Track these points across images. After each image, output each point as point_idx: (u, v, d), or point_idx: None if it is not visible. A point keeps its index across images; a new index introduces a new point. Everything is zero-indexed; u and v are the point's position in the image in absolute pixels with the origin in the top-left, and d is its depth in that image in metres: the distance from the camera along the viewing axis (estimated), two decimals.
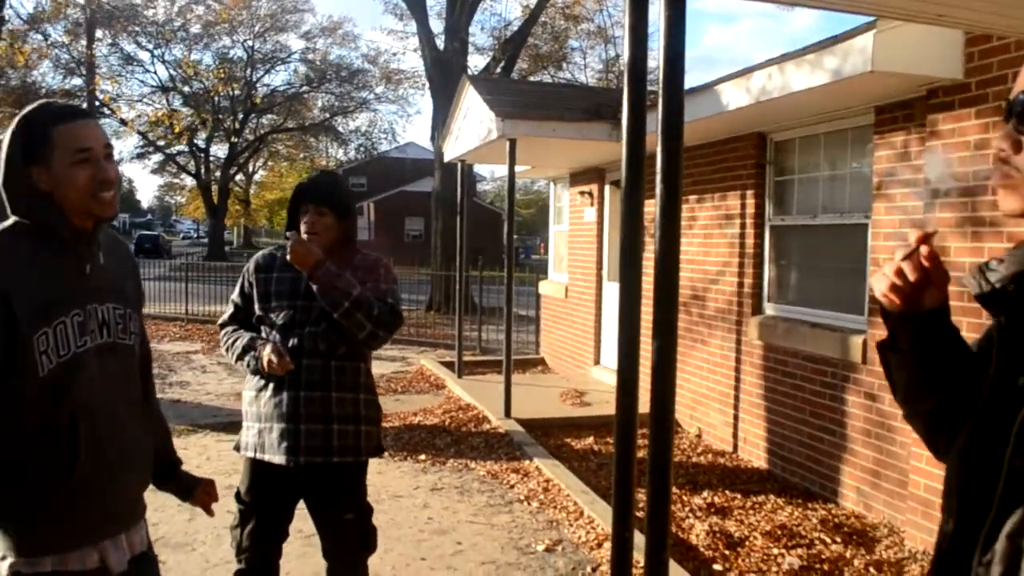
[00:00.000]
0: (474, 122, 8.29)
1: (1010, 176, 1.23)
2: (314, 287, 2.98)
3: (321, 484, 3.10)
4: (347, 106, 40.97)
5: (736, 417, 7.12)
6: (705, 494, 5.93)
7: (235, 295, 3.26)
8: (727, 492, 6.00)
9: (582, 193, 10.37)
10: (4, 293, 1.81)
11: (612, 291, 9.91)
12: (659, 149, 2.80)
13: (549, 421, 7.95)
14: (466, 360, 10.36)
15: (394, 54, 40.37)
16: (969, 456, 1.29)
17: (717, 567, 4.62)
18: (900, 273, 1.36)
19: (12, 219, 1.95)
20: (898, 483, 5.22)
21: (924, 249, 1.35)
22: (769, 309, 6.81)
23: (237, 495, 3.20)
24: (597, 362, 10.28)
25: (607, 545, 4.83)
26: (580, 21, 22.31)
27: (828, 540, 5.02)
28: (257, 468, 3.11)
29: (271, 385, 3.04)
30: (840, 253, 5.93)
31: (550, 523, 5.27)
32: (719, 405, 7.39)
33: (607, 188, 10.06)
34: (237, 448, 3.22)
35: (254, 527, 3.12)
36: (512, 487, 6.00)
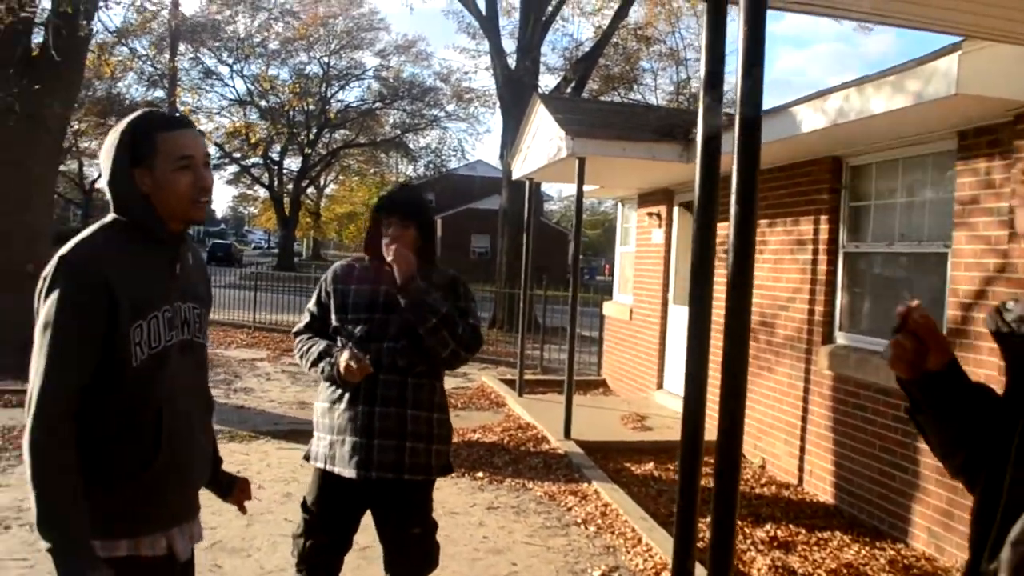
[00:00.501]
0: (544, 140, 8.27)
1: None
2: (402, 299, 2.98)
3: (391, 499, 3.10)
4: (418, 123, 41.50)
5: (802, 449, 6.91)
6: (768, 527, 5.75)
7: (311, 304, 3.27)
8: (791, 526, 5.81)
9: (650, 214, 10.27)
10: (108, 285, 1.91)
11: (678, 314, 9.77)
12: (735, 170, 2.71)
13: (609, 444, 7.84)
14: (527, 379, 10.30)
15: (466, 72, 40.69)
16: (985, 484, 1.44)
17: None
18: (898, 345, 1.52)
19: (111, 216, 2.06)
20: None
21: (911, 323, 1.52)
22: (840, 338, 6.60)
23: (304, 505, 3.21)
24: (660, 386, 10.12)
25: (665, 575, 4.71)
26: (652, 43, 22.20)
27: None
28: (327, 479, 3.11)
29: (346, 397, 3.04)
30: (917, 282, 5.73)
31: (607, 548, 5.17)
32: (785, 436, 7.18)
33: (675, 210, 9.94)
34: (307, 457, 3.22)
35: (319, 537, 3.12)
36: (569, 509, 5.91)
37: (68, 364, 1.87)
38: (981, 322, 5.00)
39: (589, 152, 7.30)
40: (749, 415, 7.60)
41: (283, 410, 8.99)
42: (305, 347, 3.17)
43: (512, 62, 17.79)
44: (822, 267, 6.74)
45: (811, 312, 6.87)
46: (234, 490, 2.43)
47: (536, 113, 8.58)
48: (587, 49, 19.32)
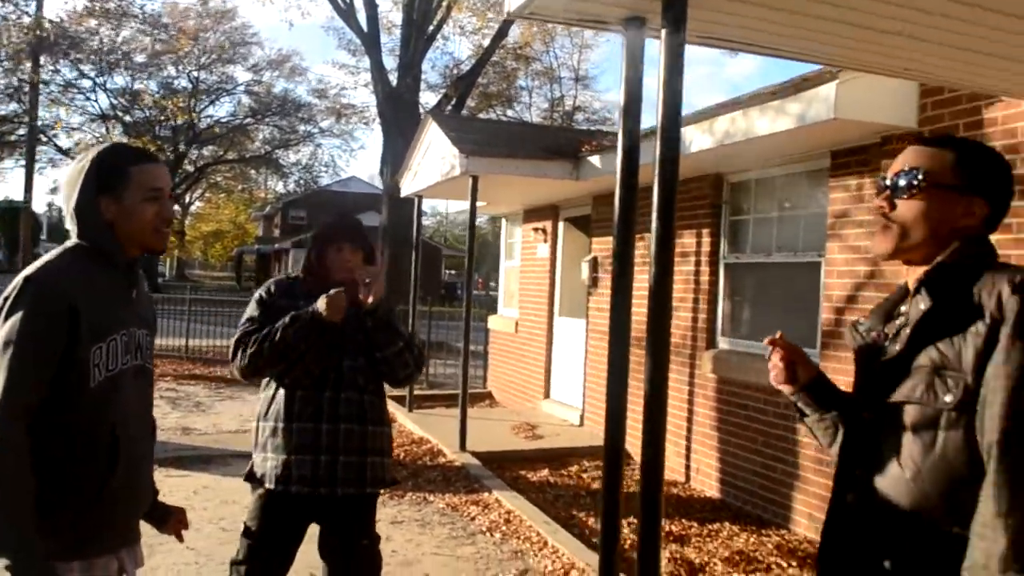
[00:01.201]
0: (436, 158, 8.41)
1: (889, 226, 1.71)
2: (370, 321, 3.04)
3: (344, 513, 3.14)
4: (289, 139, 40.76)
5: (688, 448, 7.29)
6: (662, 523, 6.04)
7: (255, 314, 3.20)
8: (683, 520, 6.13)
9: (536, 230, 10.55)
10: (72, 307, 1.96)
11: (564, 326, 10.07)
12: (656, 192, 2.93)
13: (504, 454, 7.99)
14: (415, 394, 10.35)
15: (343, 88, 40.24)
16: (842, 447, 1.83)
17: None
18: (773, 367, 1.95)
19: (73, 241, 2.10)
20: None
21: (775, 350, 1.93)
22: (723, 343, 7.03)
23: (247, 530, 3.16)
24: (547, 396, 10.39)
25: (574, 574, 4.90)
26: (530, 62, 22.80)
27: (784, 564, 5.17)
28: (277, 500, 3.10)
29: (305, 414, 3.05)
30: (794, 290, 6.18)
31: (515, 553, 5.31)
32: (671, 437, 7.54)
33: (561, 225, 10.26)
34: (252, 480, 3.18)
35: (264, 561, 3.11)
36: (473, 519, 6.02)
37: (25, 383, 1.89)
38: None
39: (482, 170, 7.49)
40: (636, 418, 7.97)
41: (165, 436, 8.70)
42: (261, 335, 3.06)
43: (393, 79, 17.86)
44: (705, 277, 7.16)
45: (695, 320, 7.27)
46: (170, 520, 2.45)
47: (428, 131, 8.70)
48: (468, 68, 19.62)
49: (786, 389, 1.93)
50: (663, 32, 2.85)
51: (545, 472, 7.47)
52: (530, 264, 11.00)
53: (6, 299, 1.95)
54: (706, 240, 7.15)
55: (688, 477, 7.26)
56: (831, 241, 5.67)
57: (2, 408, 1.85)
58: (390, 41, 20.69)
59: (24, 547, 1.82)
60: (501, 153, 7.58)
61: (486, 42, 18.40)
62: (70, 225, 2.11)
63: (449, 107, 18.37)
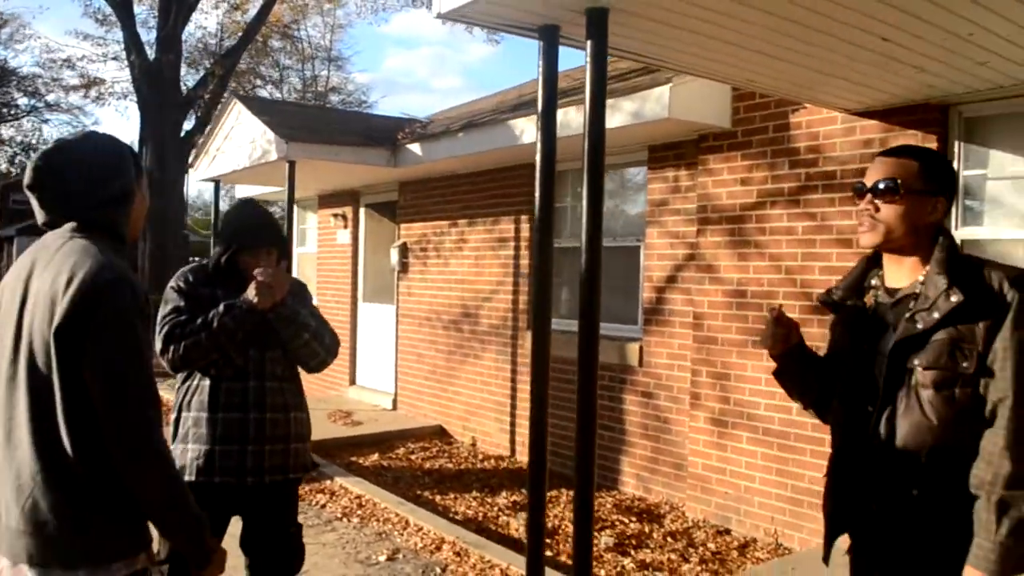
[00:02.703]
0: (243, 143, 8.15)
1: (875, 225, 2.08)
2: (272, 318, 3.04)
3: (271, 501, 3.14)
4: (3, 113, 36.48)
5: (513, 424, 7.73)
6: (504, 494, 6.45)
7: (181, 303, 3.10)
8: (522, 490, 6.55)
9: (335, 216, 10.50)
10: (147, 300, 1.95)
11: (368, 311, 10.15)
12: (585, 188, 3.24)
13: (328, 442, 7.99)
14: None
15: (81, 58, 36.24)
16: (845, 398, 2.18)
17: (548, 553, 5.12)
18: (775, 334, 2.22)
19: (85, 236, 1.95)
20: (675, 467, 6.10)
21: (782, 318, 2.21)
22: None
23: None
24: (353, 382, 10.43)
25: (445, 548, 5.15)
26: (294, 41, 22.18)
27: (626, 520, 5.74)
28: (199, 492, 3.05)
29: (231, 405, 3.03)
30: (616, 272, 6.75)
31: (379, 535, 5.45)
32: (495, 414, 7.95)
33: (362, 211, 10.31)
34: None
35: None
36: (324, 507, 6.06)
37: (154, 383, 1.94)
38: (673, 301, 6.13)
39: (302, 156, 7.41)
40: (457, 398, 8.34)
41: None
42: (196, 327, 2.97)
43: (151, 53, 16.68)
44: (523, 261, 7.60)
45: (515, 302, 7.70)
46: None
47: (231, 114, 8.41)
48: (233, 45, 18.72)
49: (777, 351, 2.25)
50: (588, 43, 3.18)
51: (375, 457, 7.60)
52: (329, 250, 10.93)
53: (95, 301, 1.83)
54: (524, 226, 7.58)
55: (514, 451, 7.70)
56: (651, 227, 6.29)
57: (157, 419, 1.92)
58: (142, 11, 19.30)
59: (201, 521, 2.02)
60: (322, 139, 7.54)
61: (246, 18, 17.76)
62: (98, 206, 1.98)
63: (211, 86, 17.49)
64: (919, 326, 1.96)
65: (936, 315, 1.93)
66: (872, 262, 2.26)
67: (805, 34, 3.42)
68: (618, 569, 4.83)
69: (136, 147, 16.95)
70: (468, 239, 8.27)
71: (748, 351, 5.45)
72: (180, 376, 3.18)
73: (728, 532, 5.51)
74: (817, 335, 5.05)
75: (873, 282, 2.19)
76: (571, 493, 6.41)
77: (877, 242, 2.10)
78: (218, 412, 3.06)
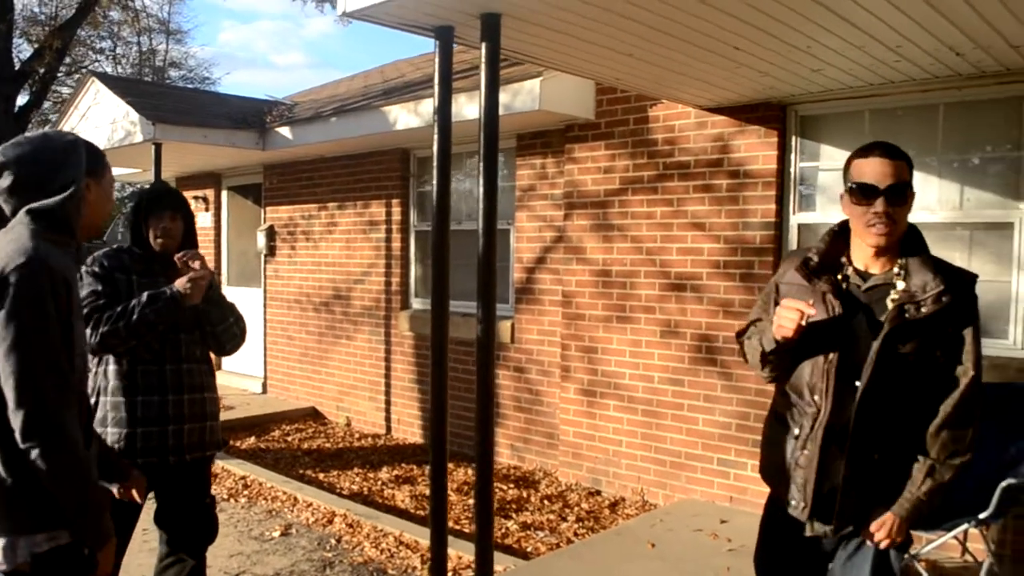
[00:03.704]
0: (102, 123, 7.91)
1: (893, 227, 2.20)
2: (201, 304, 3.18)
3: (188, 477, 3.29)
4: None
5: (388, 402, 7.97)
6: (385, 469, 6.70)
7: (100, 287, 3.15)
8: (403, 465, 6.84)
9: (196, 198, 10.31)
10: (68, 285, 2.02)
11: (233, 296, 10.03)
12: (481, 177, 3.54)
13: None
14: None
15: None
16: (839, 375, 2.29)
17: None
18: (799, 328, 2.18)
19: (28, 223, 2.05)
20: (546, 436, 6.55)
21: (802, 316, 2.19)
22: (417, 304, 7.78)
23: None
24: (219, 367, 10.32)
25: (337, 521, 5.37)
26: (133, 13, 21.04)
27: (504, 487, 6.13)
28: None
29: (151, 387, 3.14)
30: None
31: (269, 512, 5.60)
32: (369, 393, 8.16)
33: (224, 193, 10.18)
34: None
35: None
36: None
37: (60, 362, 1.98)
38: (543, 281, 6.55)
39: (171, 138, 7.31)
40: (330, 380, 8.50)
41: None
42: (115, 314, 3.03)
43: None
44: (396, 244, 7.82)
45: (388, 284, 7.92)
46: None
47: (88, 93, 8.13)
48: (70, 17, 17.63)
49: (785, 340, 2.25)
50: (483, 45, 3.50)
51: (252, 440, 7.66)
52: None
53: (4, 281, 1.93)
54: (396, 210, 7.80)
55: (389, 429, 7.94)
56: (520, 211, 6.67)
57: (62, 398, 1.96)
58: None
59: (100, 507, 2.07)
60: (191, 122, 7.45)
61: None
62: (42, 198, 2.07)
63: (47, 60, 16.49)
64: (908, 317, 2.21)
65: (925, 310, 2.20)
66: (839, 238, 2.38)
67: (669, 41, 3.85)
68: (503, 531, 5.20)
69: None
70: (339, 222, 8.40)
71: (613, 326, 5.94)
72: (93, 360, 3.26)
73: (599, 493, 6.00)
74: (674, 310, 5.61)
75: (843, 260, 2.35)
76: (449, 465, 6.76)
77: (892, 242, 2.23)
78: (137, 395, 3.15)
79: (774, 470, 2.49)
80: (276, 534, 5.19)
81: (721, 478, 5.37)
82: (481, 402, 3.73)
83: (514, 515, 5.55)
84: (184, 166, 9.88)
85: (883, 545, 2.32)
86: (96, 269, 3.25)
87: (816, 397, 2.31)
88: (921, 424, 2.27)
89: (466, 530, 5.26)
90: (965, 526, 3.81)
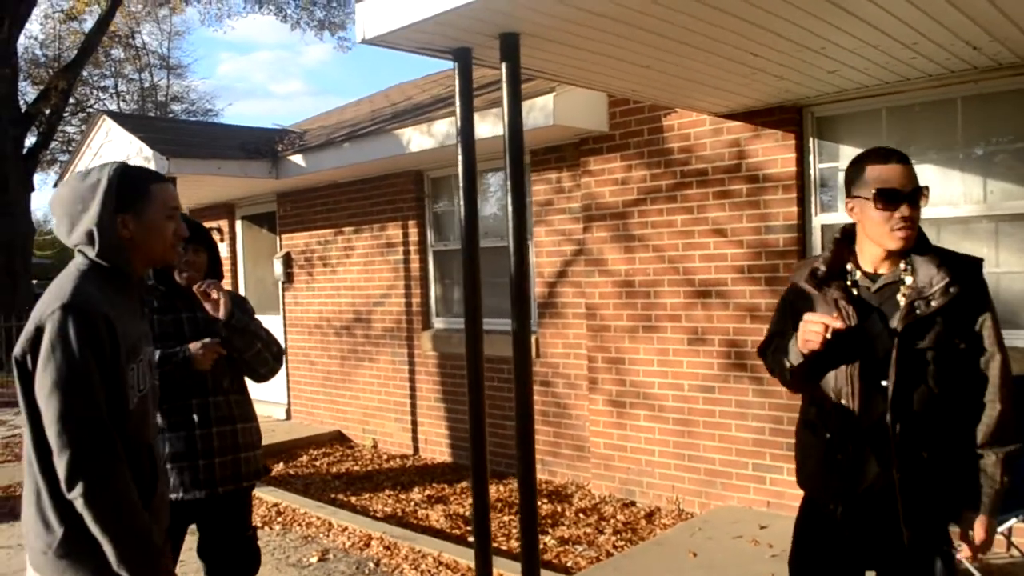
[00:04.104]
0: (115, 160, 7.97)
1: (914, 229, 2.26)
2: (224, 332, 3.17)
3: (224, 509, 3.29)
4: None
5: (415, 423, 7.97)
6: (416, 490, 6.71)
7: None
8: (433, 484, 6.84)
9: (211, 229, 10.33)
10: (111, 326, 1.99)
11: None
12: (510, 197, 3.56)
13: None
14: None
15: None
16: (863, 377, 2.31)
17: (473, 539, 5.43)
18: (823, 339, 2.20)
19: (84, 262, 2.08)
20: (576, 449, 6.54)
21: (827, 328, 2.21)
22: (439, 323, 7.80)
23: None
24: None
25: (374, 544, 5.37)
26: (133, 49, 21.25)
27: (538, 503, 6.10)
28: None
29: (176, 425, 3.13)
30: (505, 270, 7.09)
31: (304, 539, 5.60)
32: (395, 415, 8.17)
33: (239, 223, 10.24)
34: None
35: None
36: None
37: (102, 405, 1.95)
38: (565, 294, 6.56)
39: (186, 171, 7.37)
40: (354, 403, 8.51)
41: None
42: None
43: None
44: (415, 265, 7.85)
45: (408, 304, 7.94)
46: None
47: (99, 131, 8.20)
48: (72, 58, 17.84)
49: (811, 352, 2.27)
50: (503, 65, 3.52)
51: (280, 466, 7.67)
52: None
53: (41, 329, 1.94)
54: (413, 231, 7.83)
55: (417, 449, 7.95)
56: (538, 226, 6.69)
57: (101, 434, 1.93)
58: None
59: (159, 558, 2.00)
60: (204, 154, 7.51)
61: (74, 25, 16.97)
62: (80, 243, 2.08)
63: (53, 100, 16.66)
64: (919, 313, 2.25)
65: (935, 303, 2.24)
66: (843, 244, 2.44)
67: (686, 51, 3.87)
68: (541, 546, 5.19)
69: None
70: (355, 246, 8.43)
71: (639, 336, 5.94)
72: None
73: (633, 504, 5.99)
74: (701, 317, 5.61)
75: (848, 267, 2.40)
76: None
77: (909, 245, 2.29)
78: (165, 432, 3.17)
79: (810, 475, 2.51)
80: (314, 560, 5.19)
81: (757, 483, 5.35)
82: (521, 419, 3.75)
83: (550, 530, 5.54)
84: (198, 198, 9.94)
85: (981, 547, 2.31)
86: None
87: (844, 401, 2.34)
88: (962, 417, 2.30)
89: (503, 547, 5.25)
90: (1013, 520, 3.80)
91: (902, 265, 2.33)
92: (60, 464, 1.92)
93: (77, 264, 2.10)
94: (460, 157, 3.76)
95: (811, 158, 5.18)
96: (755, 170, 5.31)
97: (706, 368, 5.58)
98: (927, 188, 2.30)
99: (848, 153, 5.12)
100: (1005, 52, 4.17)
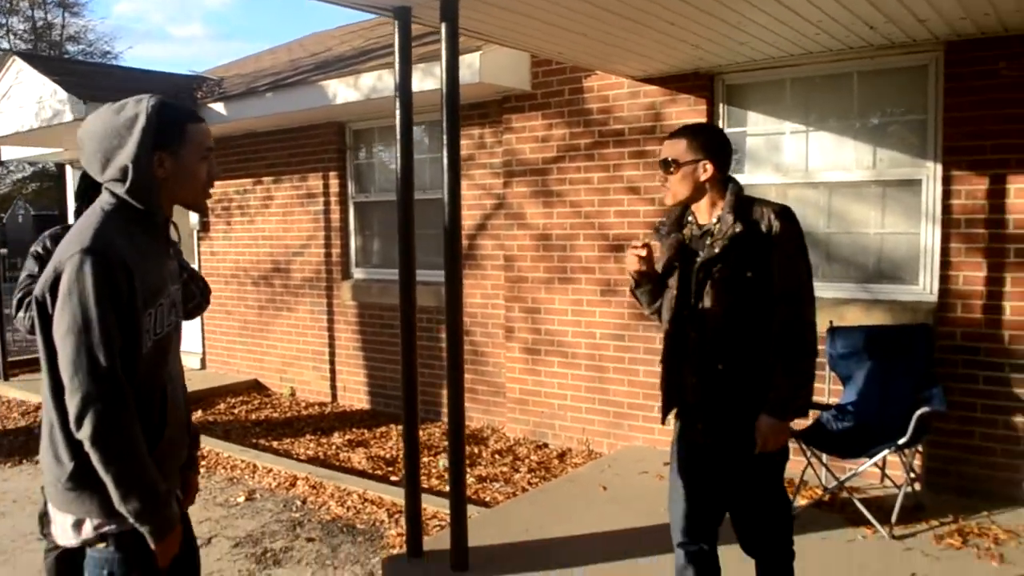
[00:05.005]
0: (26, 103, 7.75)
1: (667, 191, 2.85)
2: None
3: None
4: None
5: (333, 371, 8.13)
6: (336, 435, 6.91)
7: (36, 270, 3.22)
8: (354, 430, 7.05)
9: None
10: (130, 275, 1.97)
11: None
12: (445, 150, 3.76)
13: None
14: (9, 361, 9.53)
15: None
16: (673, 302, 2.89)
17: (395, 478, 5.69)
18: (640, 259, 2.86)
19: (110, 201, 2.06)
20: (492, 394, 6.85)
21: (643, 248, 2.86)
22: (359, 274, 7.94)
23: None
24: None
25: (299, 484, 5.58)
26: None
27: None
28: None
29: None
30: (428, 223, 7.27)
31: (230, 480, 5.76)
32: (313, 364, 8.31)
33: None
34: None
35: None
36: None
37: (115, 351, 1.97)
38: (485, 247, 6.80)
39: None
40: (273, 352, 8.63)
41: None
42: None
43: None
44: (335, 216, 7.95)
45: (328, 255, 8.05)
46: (188, 489, 2.50)
47: (9, 72, 7.94)
48: None
49: (640, 271, 2.89)
50: (442, 25, 3.71)
51: (199, 414, 7.73)
52: None
53: (60, 272, 1.94)
54: (334, 182, 7.91)
55: (335, 396, 8.12)
56: (461, 180, 6.87)
57: (111, 380, 1.95)
58: None
59: (157, 496, 2.01)
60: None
61: None
62: (111, 179, 2.04)
63: None
64: (716, 249, 2.75)
65: (725, 241, 2.74)
66: (687, 205, 2.95)
67: (611, 18, 4.12)
68: None
69: None
70: (274, 196, 8.46)
71: (555, 287, 6.25)
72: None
73: (546, 446, 6.35)
74: (613, 270, 5.95)
75: (689, 219, 2.93)
76: (400, 429, 7.00)
77: (672, 202, 2.89)
78: None
79: (661, 392, 3.04)
80: (241, 499, 5.36)
81: (660, 425, 5.76)
82: (451, 362, 3.98)
83: (469, 469, 5.84)
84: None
85: (769, 448, 2.77)
86: (39, 250, 3.31)
87: (669, 324, 2.91)
88: (755, 335, 2.77)
89: (425, 485, 5.52)
90: (885, 452, 4.28)
91: (714, 218, 2.82)
92: (71, 405, 1.96)
93: (103, 203, 2.07)
94: (398, 112, 3.93)
95: (720, 122, 5.54)
96: (669, 132, 5.62)
97: (617, 317, 5.94)
98: (668, 161, 2.84)
99: (754, 119, 5.50)
100: (897, 32, 4.57)
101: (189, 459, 2.42)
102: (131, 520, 2.01)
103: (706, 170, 2.80)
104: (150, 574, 2.13)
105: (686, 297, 2.84)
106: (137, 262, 2.01)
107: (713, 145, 2.85)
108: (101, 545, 2.09)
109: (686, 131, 2.88)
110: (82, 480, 2.03)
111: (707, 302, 2.78)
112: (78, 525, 2.08)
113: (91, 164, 2.07)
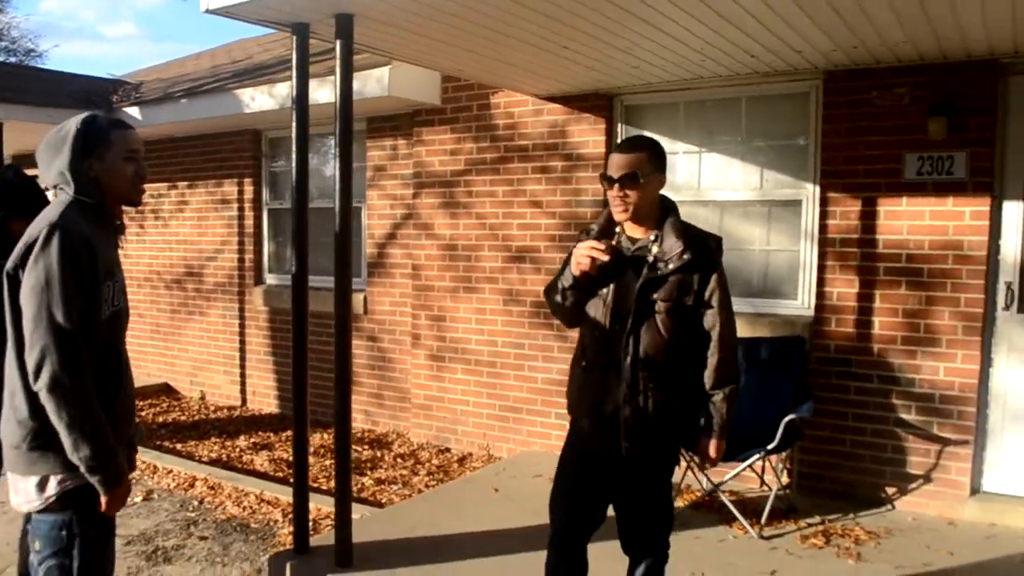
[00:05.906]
0: None
1: (628, 206, 2.76)
2: None
3: None
4: None
5: (243, 375, 8.16)
6: (242, 438, 6.95)
7: None
8: (259, 433, 7.10)
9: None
10: (91, 247, 2.32)
11: None
12: (338, 153, 3.91)
13: None
14: None
15: None
16: (613, 317, 2.85)
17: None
18: (593, 261, 2.71)
19: (69, 197, 2.40)
20: (398, 400, 6.98)
21: (603, 252, 2.72)
22: (271, 279, 8.00)
23: None
24: None
25: (198, 484, 5.63)
26: None
27: (359, 449, 6.51)
28: None
29: None
30: (332, 231, 7.40)
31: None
32: (224, 368, 8.32)
33: None
34: None
35: None
36: None
37: (72, 312, 2.24)
38: (394, 255, 6.95)
39: (14, 118, 7.19)
40: (184, 356, 8.62)
41: None
42: None
43: None
44: (249, 222, 8.00)
45: (241, 260, 8.09)
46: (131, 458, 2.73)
47: None
48: None
49: (584, 274, 2.75)
50: (337, 42, 3.86)
51: None
52: None
53: (35, 243, 2.24)
54: (248, 189, 7.97)
55: (244, 401, 8.14)
56: (371, 190, 7.03)
57: (64, 338, 2.20)
58: None
59: (112, 452, 2.26)
60: (36, 101, 7.33)
61: None
62: (59, 182, 2.39)
63: None
64: (662, 272, 2.77)
65: (671, 266, 2.76)
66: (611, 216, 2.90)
67: (503, 40, 4.33)
68: (359, 486, 5.61)
69: None
70: (189, 201, 8.47)
71: (460, 295, 6.43)
72: None
73: (448, 450, 6.50)
74: (515, 280, 6.15)
75: (616, 229, 2.89)
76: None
77: (627, 217, 2.80)
78: None
79: (572, 399, 3.03)
80: (138, 499, 5.39)
81: (558, 430, 5.97)
82: (339, 364, 4.10)
83: (369, 472, 5.96)
84: (25, 144, 9.57)
85: (715, 464, 2.96)
86: None
87: (598, 333, 2.85)
88: (687, 357, 2.85)
89: (323, 487, 5.63)
90: (756, 456, 4.55)
91: (652, 236, 2.83)
92: (30, 359, 2.21)
93: (61, 199, 2.41)
94: (294, 124, 4.06)
95: (618, 141, 5.80)
96: (570, 149, 5.87)
97: (518, 326, 6.14)
98: (635, 174, 2.76)
99: None
100: (778, 61, 4.88)
101: (131, 437, 2.68)
102: (82, 469, 2.23)
103: (661, 184, 2.87)
104: (104, 530, 2.41)
105: (620, 311, 2.80)
106: (97, 241, 2.37)
107: (664, 161, 2.89)
108: (56, 507, 2.29)
109: (645, 144, 2.86)
110: (44, 438, 2.27)
111: (645, 322, 2.77)
112: (42, 484, 2.30)
113: (43, 174, 2.47)
